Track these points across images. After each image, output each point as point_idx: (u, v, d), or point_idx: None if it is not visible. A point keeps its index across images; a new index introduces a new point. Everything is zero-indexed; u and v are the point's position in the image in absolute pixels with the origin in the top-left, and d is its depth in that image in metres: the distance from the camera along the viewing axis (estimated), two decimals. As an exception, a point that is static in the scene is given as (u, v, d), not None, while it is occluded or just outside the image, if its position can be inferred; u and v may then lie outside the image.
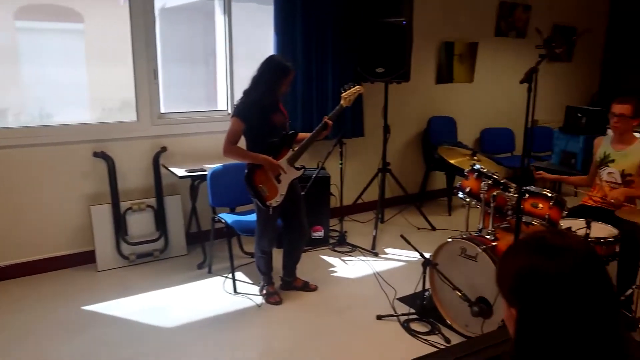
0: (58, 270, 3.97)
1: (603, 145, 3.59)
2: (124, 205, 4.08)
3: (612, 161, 3.49)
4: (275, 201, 3.35)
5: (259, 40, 4.81)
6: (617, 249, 3.07)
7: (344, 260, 4.27)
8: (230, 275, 3.76)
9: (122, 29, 4.04)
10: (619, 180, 3.46)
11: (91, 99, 4.26)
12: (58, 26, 4.13)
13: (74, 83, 4.11)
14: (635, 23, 7.08)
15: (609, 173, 3.50)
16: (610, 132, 3.62)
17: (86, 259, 4.04)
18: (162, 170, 4.20)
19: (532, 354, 0.94)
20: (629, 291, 3.11)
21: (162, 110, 4.32)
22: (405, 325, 3.23)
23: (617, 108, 3.40)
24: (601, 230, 3.12)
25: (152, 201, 4.20)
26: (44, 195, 3.88)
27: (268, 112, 3.31)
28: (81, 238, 4.03)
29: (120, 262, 4.07)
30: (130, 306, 3.47)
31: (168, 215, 4.25)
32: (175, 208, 4.29)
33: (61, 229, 3.98)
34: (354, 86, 3.56)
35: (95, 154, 3.99)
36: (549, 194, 3.13)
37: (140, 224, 4.16)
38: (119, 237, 4.05)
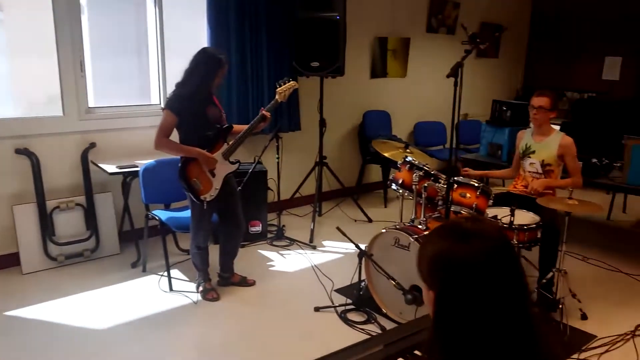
0: (-22, 274, 3.75)
1: (525, 138, 3.78)
2: (50, 204, 3.90)
3: (533, 152, 3.69)
4: (209, 195, 3.31)
5: (192, 32, 4.71)
6: (539, 235, 3.25)
7: (282, 254, 4.28)
8: (165, 273, 3.68)
9: (46, 18, 3.84)
10: (540, 170, 3.66)
11: (14, 93, 4.03)
12: (-27, 15, 3.89)
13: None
14: (555, 21, 7.50)
15: (531, 164, 3.70)
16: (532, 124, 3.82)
17: (9, 261, 3.84)
18: (92, 167, 4.05)
19: (448, 334, 0.99)
20: (550, 274, 3.31)
21: (91, 105, 4.15)
22: (343, 316, 3.28)
23: (536, 101, 3.59)
24: (524, 217, 3.30)
25: (82, 199, 4.04)
26: (-39, 195, 3.65)
27: (202, 105, 3.26)
28: (3, 239, 3.82)
29: (48, 264, 3.89)
30: (59, 309, 3.33)
31: (99, 214, 4.10)
32: (106, 206, 4.14)
33: (-19, 230, 3.76)
34: (289, 81, 3.58)
35: (18, 151, 3.79)
36: (476, 184, 3.28)
37: (68, 223, 3.99)
38: (46, 237, 3.87)
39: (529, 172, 3.71)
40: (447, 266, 1.00)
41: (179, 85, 3.24)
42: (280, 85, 3.56)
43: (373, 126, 5.79)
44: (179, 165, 3.28)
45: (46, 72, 3.96)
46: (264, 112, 3.45)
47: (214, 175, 3.33)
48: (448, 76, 2.73)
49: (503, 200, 3.57)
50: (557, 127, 3.80)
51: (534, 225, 3.20)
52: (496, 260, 0.99)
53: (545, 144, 3.64)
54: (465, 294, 0.98)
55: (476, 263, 0.98)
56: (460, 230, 1.03)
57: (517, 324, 0.98)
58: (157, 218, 3.67)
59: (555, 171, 3.64)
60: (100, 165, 3.95)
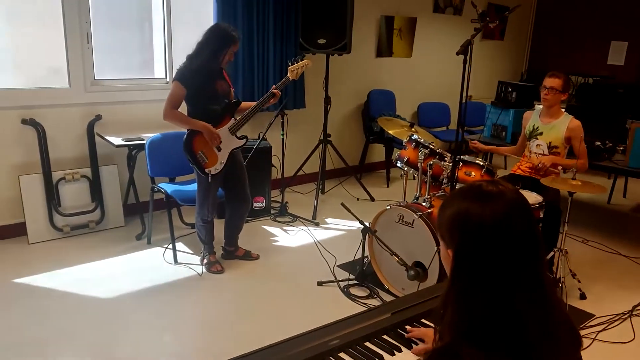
0: (-15, 243, 3.79)
1: (532, 119, 3.79)
2: (56, 175, 3.92)
3: (541, 134, 3.70)
4: (214, 169, 3.33)
5: (198, 5, 4.67)
6: (542, 215, 3.28)
7: (285, 230, 4.32)
8: (170, 246, 3.72)
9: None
10: (546, 152, 3.68)
11: (16, 64, 4.00)
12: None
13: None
14: (561, 4, 7.45)
15: (537, 145, 3.72)
16: (538, 106, 3.83)
17: (16, 231, 3.87)
18: (97, 139, 4.06)
19: (464, 292, 1.02)
20: (551, 254, 3.35)
21: (96, 77, 4.14)
22: (345, 290, 3.33)
23: (549, 81, 3.60)
24: (528, 197, 3.29)
25: (87, 171, 4.05)
26: (-32, 164, 3.67)
27: (211, 79, 3.27)
28: (10, 209, 3.85)
29: (54, 234, 3.92)
30: (66, 278, 3.37)
31: (104, 186, 4.12)
32: (111, 178, 4.17)
33: (-13, 199, 3.78)
34: (302, 59, 3.58)
35: (24, 121, 3.79)
36: (481, 163, 3.31)
37: (74, 194, 4.01)
38: (52, 208, 3.90)
39: (535, 153, 3.73)
40: (467, 225, 1.03)
41: (189, 58, 3.24)
42: (292, 64, 3.56)
43: (377, 105, 5.79)
44: (185, 137, 3.30)
45: (50, 43, 3.94)
46: (274, 90, 3.45)
47: (219, 149, 3.35)
48: (458, 53, 2.73)
49: (507, 180, 3.59)
50: (565, 111, 3.81)
51: (537, 205, 3.22)
52: (515, 222, 1.02)
53: (553, 126, 3.65)
54: (483, 253, 1.01)
55: (495, 223, 1.01)
56: (481, 191, 1.06)
57: (531, 284, 1.01)
58: (162, 191, 3.69)
59: (562, 153, 3.66)
60: (106, 137, 3.97)
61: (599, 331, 3.00)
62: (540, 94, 3.65)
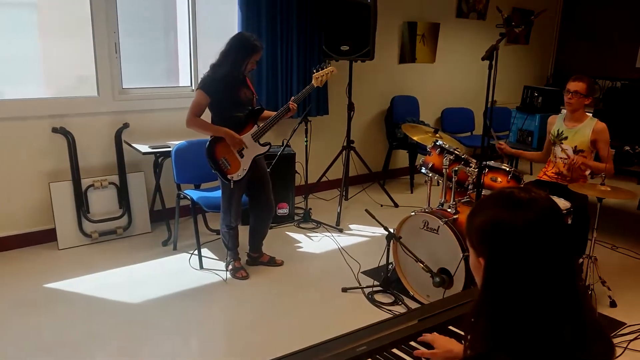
0: (17, 248, 3.87)
1: (557, 123, 3.74)
2: (85, 182, 4.00)
3: (565, 138, 3.65)
4: (237, 175, 3.36)
5: (222, 14, 4.74)
6: (569, 221, 3.23)
7: (309, 236, 4.33)
8: (196, 252, 3.76)
9: (79, 1, 3.90)
10: (572, 157, 3.62)
11: (45, 75, 4.11)
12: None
13: (27, 58, 3.93)
14: (588, 7, 7.34)
15: (563, 150, 3.66)
16: (564, 110, 3.77)
17: (47, 237, 3.96)
18: (125, 146, 4.13)
19: (497, 301, 1.01)
20: (580, 261, 3.29)
21: (124, 86, 4.23)
22: (370, 297, 3.32)
23: (572, 85, 3.55)
24: (555, 203, 3.27)
25: (115, 178, 4.13)
26: (1, 171, 3.77)
27: (234, 87, 3.31)
28: (41, 216, 3.94)
29: (82, 240, 4.00)
30: (94, 283, 3.43)
31: (131, 193, 4.19)
32: (138, 185, 4.24)
33: (20, 206, 3.87)
34: (327, 67, 3.59)
35: (55, 130, 3.89)
36: (507, 169, 3.27)
37: (102, 201, 4.09)
38: (81, 214, 3.98)
39: (561, 158, 3.67)
40: (499, 233, 1.02)
41: (213, 67, 3.30)
42: (317, 71, 3.59)
43: (401, 111, 5.77)
44: (207, 144, 3.34)
45: (78, 53, 4.04)
46: (291, 104, 3.47)
47: (242, 155, 3.38)
48: (483, 59, 2.72)
49: (534, 186, 3.54)
50: (590, 115, 3.75)
51: (565, 212, 3.18)
52: (547, 229, 1.00)
53: (578, 130, 3.59)
54: (516, 261, 1.00)
55: (528, 231, 1.00)
56: (513, 198, 1.04)
57: (564, 291, 0.99)
58: (188, 197, 3.74)
59: (588, 157, 3.59)
60: (134, 145, 4.04)
61: (631, 340, 2.93)
62: (564, 98, 3.60)
